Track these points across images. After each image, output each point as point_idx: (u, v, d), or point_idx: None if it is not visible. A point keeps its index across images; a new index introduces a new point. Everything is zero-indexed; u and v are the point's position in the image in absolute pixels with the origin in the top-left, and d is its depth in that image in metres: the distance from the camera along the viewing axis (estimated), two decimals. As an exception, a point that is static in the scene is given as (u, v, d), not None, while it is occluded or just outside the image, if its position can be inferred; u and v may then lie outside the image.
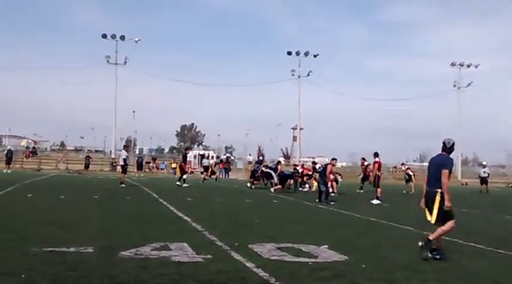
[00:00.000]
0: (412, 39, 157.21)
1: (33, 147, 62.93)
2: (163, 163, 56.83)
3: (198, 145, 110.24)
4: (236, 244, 8.36)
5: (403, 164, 38.63)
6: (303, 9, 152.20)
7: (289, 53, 60.96)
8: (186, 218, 12.06)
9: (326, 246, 8.46)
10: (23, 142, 77.64)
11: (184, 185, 25.32)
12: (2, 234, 8.67)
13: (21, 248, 7.41)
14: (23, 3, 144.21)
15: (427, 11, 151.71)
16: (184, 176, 26.43)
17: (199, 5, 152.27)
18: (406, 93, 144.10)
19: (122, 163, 25.23)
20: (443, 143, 8.27)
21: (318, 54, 61.54)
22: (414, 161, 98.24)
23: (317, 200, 18.81)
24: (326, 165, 19.98)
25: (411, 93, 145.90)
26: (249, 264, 6.88)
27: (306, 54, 60.67)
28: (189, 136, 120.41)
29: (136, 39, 58.08)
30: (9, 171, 38.34)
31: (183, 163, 28.40)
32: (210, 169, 35.43)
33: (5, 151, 43.20)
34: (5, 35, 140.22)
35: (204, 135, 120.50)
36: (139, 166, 43.67)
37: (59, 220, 10.91)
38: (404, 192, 29.51)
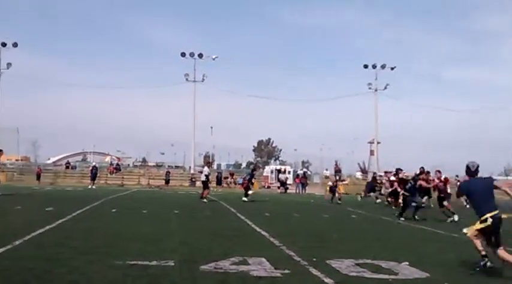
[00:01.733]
0: (494, 49, 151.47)
1: (117, 164, 65.20)
2: (240, 178, 57.36)
3: (275, 160, 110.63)
4: (314, 259, 8.32)
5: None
6: (380, 21, 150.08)
7: (366, 66, 60.24)
8: (263, 233, 12.12)
9: (407, 263, 8.27)
10: (107, 159, 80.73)
11: (244, 199, 25.25)
12: (88, 248, 9.04)
13: (106, 261, 7.71)
14: (105, 24, 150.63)
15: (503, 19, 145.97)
16: (250, 192, 26.18)
17: (274, 21, 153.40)
18: (487, 104, 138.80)
19: (203, 179, 25.58)
20: (468, 167, 8.00)
21: (395, 67, 60.56)
22: (499, 175, 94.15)
23: (398, 215, 17.89)
24: (415, 179, 18.67)
25: (493, 103, 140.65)
26: (327, 280, 6.84)
27: (383, 66, 59.80)
28: (265, 151, 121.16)
29: (214, 57, 59.28)
30: (94, 187, 39.86)
31: (246, 181, 27.94)
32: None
33: (90, 168, 45.03)
34: (92, 56, 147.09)
35: (280, 150, 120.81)
36: (219, 182, 44.88)
37: (142, 234, 11.25)
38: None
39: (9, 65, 54.63)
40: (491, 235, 7.60)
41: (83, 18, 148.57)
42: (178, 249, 9.21)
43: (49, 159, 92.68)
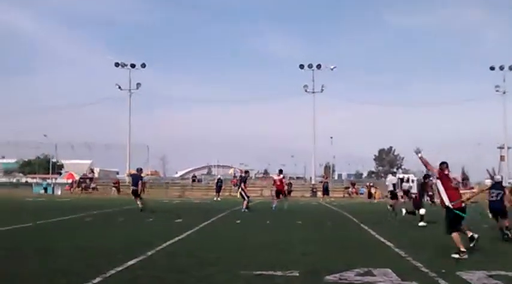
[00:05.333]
0: None
1: (240, 176, 66.73)
2: (362, 187, 56.57)
3: (397, 169, 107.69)
4: (443, 271, 8.03)
5: None
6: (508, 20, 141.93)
7: (492, 68, 57.30)
8: (388, 243, 11.86)
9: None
10: (231, 171, 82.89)
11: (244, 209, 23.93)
12: (215, 258, 9.36)
13: (233, 271, 7.93)
14: (224, 39, 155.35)
15: None
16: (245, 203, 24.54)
17: (385, 24, 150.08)
18: None
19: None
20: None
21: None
22: None
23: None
24: None
25: None
26: (458, 292, 6.57)
27: (511, 67, 56.51)
28: (387, 159, 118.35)
29: (332, 67, 59.28)
30: (219, 199, 41.12)
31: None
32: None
33: (215, 180, 46.49)
34: (211, 72, 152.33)
35: (403, 158, 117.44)
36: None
37: (266, 244, 11.45)
38: None
39: (138, 84, 58.09)
40: None
41: (201, 35, 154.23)
42: (302, 260, 9.27)
43: (176, 172, 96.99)
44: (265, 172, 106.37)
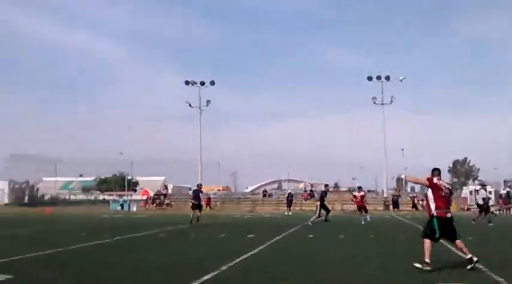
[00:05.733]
0: None
1: (311, 190, 66.45)
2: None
3: (473, 181, 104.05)
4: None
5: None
6: None
7: None
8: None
9: None
10: (301, 185, 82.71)
11: None
12: (288, 273, 9.35)
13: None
14: (289, 51, 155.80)
15: None
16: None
17: (455, 35, 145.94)
18: None
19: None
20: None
21: None
22: None
23: None
24: None
25: None
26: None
27: None
28: (462, 171, 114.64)
29: (401, 78, 58.30)
30: (290, 213, 41.01)
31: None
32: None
33: (286, 195, 46.47)
34: (278, 84, 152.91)
35: (478, 169, 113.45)
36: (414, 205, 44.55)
37: (339, 258, 11.34)
38: None
39: (208, 102, 59.12)
40: None
41: (267, 50, 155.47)
42: (376, 273, 9.13)
43: (247, 187, 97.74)
44: (336, 186, 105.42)
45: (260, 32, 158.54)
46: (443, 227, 9.59)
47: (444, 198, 9.75)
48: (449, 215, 9.72)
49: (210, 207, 26.36)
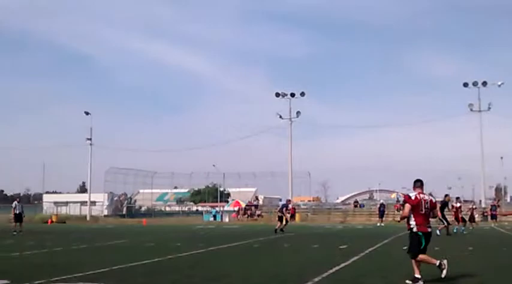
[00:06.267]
0: None
1: (404, 200, 64.83)
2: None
3: None
4: None
5: None
6: None
7: None
8: None
9: None
10: (393, 196, 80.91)
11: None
12: None
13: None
14: (383, 62, 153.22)
15: None
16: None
17: None
18: None
19: None
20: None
21: None
22: None
23: None
24: None
25: None
26: None
27: None
28: None
29: (499, 83, 55.84)
30: (382, 224, 40.33)
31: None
32: None
33: (378, 205, 45.69)
34: (370, 96, 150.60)
35: None
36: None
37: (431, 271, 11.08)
38: None
39: (298, 113, 59.31)
40: None
41: (357, 60, 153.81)
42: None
43: (338, 198, 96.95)
44: (430, 195, 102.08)
45: (348, 44, 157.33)
46: (426, 242, 9.45)
47: (424, 214, 9.46)
48: (429, 230, 9.51)
49: (291, 218, 27.18)
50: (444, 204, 26.25)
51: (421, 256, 9.39)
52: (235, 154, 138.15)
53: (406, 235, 21.90)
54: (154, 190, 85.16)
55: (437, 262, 9.40)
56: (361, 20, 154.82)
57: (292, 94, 59.35)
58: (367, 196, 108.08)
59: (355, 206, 63.59)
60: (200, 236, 25.68)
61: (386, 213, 45.56)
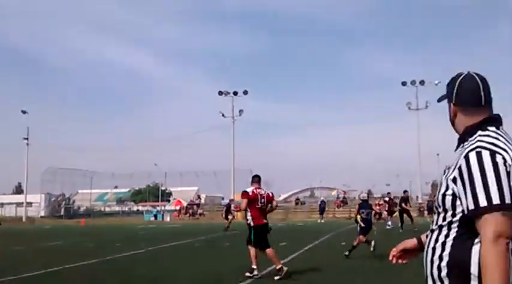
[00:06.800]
0: None
1: (343, 197, 66.11)
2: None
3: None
4: None
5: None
6: None
7: None
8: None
9: None
10: (334, 193, 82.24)
11: None
12: (323, 281, 9.37)
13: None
14: (324, 60, 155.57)
15: None
16: None
17: (500, 36, 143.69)
18: None
19: None
20: None
21: None
22: None
23: None
24: None
25: None
26: None
27: None
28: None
29: (436, 82, 57.53)
30: (322, 221, 40.88)
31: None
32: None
33: (318, 202, 46.32)
34: (310, 94, 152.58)
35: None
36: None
37: (372, 268, 11.29)
38: None
39: (241, 111, 59.33)
40: None
41: (300, 59, 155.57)
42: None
43: (280, 196, 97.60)
44: (369, 193, 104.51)
45: (292, 41, 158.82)
46: (260, 235, 9.87)
47: (260, 208, 9.91)
48: (265, 221, 10.01)
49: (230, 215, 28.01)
50: (404, 199, 27.55)
51: (269, 251, 9.88)
52: (177, 153, 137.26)
53: (345, 231, 22.37)
54: (93, 190, 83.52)
55: (279, 267, 9.65)
56: (304, 19, 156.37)
57: (235, 93, 59.32)
58: (308, 193, 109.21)
59: (297, 203, 64.24)
60: (140, 236, 25.33)
61: (326, 209, 46.20)
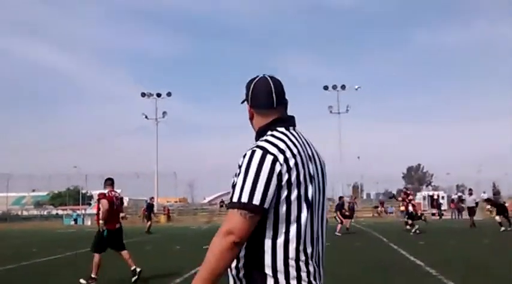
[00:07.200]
0: None
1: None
2: (391, 206, 56.00)
3: (427, 186, 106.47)
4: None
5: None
6: None
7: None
8: (419, 262, 11.72)
9: None
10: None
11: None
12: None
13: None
14: (246, 65, 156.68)
15: None
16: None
17: (413, 43, 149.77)
18: None
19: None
20: None
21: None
22: None
23: None
24: None
25: None
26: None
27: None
28: (415, 177, 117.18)
29: (356, 87, 59.17)
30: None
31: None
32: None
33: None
34: (234, 97, 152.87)
35: (432, 175, 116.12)
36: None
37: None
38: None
39: (164, 113, 58.63)
40: None
41: (222, 63, 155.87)
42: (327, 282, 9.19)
43: (205, 198, 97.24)
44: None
45: (214, 46, 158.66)
46: (112, 239, 9.79)
47: (114, 210, 9.86)
48: (117, 226, 9.97)
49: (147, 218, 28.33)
50: (340, 204, 28.50)
51: (124, 254, 9.88)
52: (99, 156, 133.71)
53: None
54: (9, 194, 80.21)
55: (133, 268, 9.67)
56: (228, 22, 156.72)
57: (159, 95, 58.59)
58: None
59: (221, 206, 64.20)
60: (59, 241, 24.46)
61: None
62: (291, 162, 2.06)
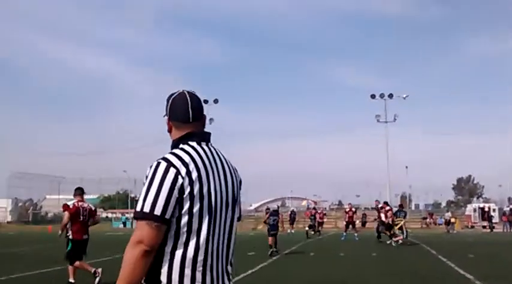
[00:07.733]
0: None
1: (314, 208, 66.27)
2: (440, 218, 54.79)
3: (478, 198, 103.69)
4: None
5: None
6: None
7: None
8: (468, 276, 11.43)
9: None
10: (304, 203, 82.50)
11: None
12: None
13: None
14: (292, 71, 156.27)
15: None
16: None
17: (464, 53, 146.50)
18: None
19: None
20: None
21: None
22: None
23: None
24: None
25: None
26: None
27: None
28: (466, 188, 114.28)
29: (404, 96, 58.23)
30: (293, 231, 40.89)
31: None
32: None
33: (289, 212, 46.29)
34: (281, 105, 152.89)
35: (483, 187, 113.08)
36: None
37: (310, 280, 11.27)
38: None
39: (211, 120, 59.17)
40: None
41: (272, 71, 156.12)
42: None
43: (251, 205, 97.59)
44: (340, 203, 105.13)
45: (262, 54, 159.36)
46: (78, 249, 9.75)
47: (82, 221, 9.76)
48: (85, 237, 9.91)
49: None
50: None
51: (77, 263, 9.68)
52: (147, 160, 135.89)
53: (315, 242, 22.45)
54: (61, 196, 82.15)
55: (93, 270, 9.56)
56: (274, 31, 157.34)
57: (206, 101, 59.16)
58: (279, 203, 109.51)
59: (267, 213, 64.14)
60: (107, 244, 24.93)
61: (297, 219, 46.21)
62: (194, 175, 2.12)
